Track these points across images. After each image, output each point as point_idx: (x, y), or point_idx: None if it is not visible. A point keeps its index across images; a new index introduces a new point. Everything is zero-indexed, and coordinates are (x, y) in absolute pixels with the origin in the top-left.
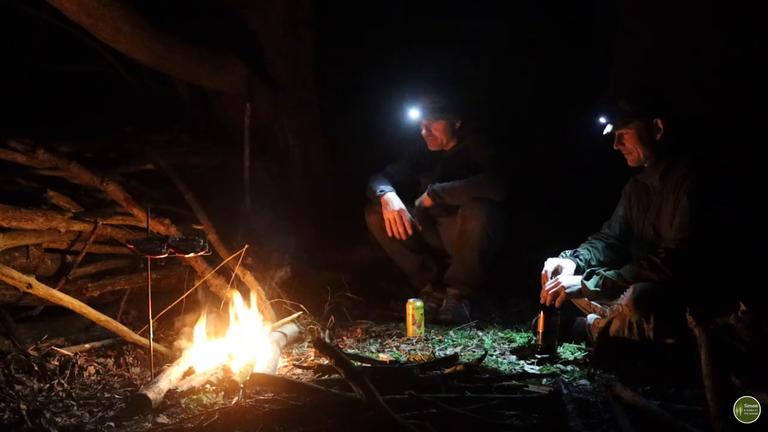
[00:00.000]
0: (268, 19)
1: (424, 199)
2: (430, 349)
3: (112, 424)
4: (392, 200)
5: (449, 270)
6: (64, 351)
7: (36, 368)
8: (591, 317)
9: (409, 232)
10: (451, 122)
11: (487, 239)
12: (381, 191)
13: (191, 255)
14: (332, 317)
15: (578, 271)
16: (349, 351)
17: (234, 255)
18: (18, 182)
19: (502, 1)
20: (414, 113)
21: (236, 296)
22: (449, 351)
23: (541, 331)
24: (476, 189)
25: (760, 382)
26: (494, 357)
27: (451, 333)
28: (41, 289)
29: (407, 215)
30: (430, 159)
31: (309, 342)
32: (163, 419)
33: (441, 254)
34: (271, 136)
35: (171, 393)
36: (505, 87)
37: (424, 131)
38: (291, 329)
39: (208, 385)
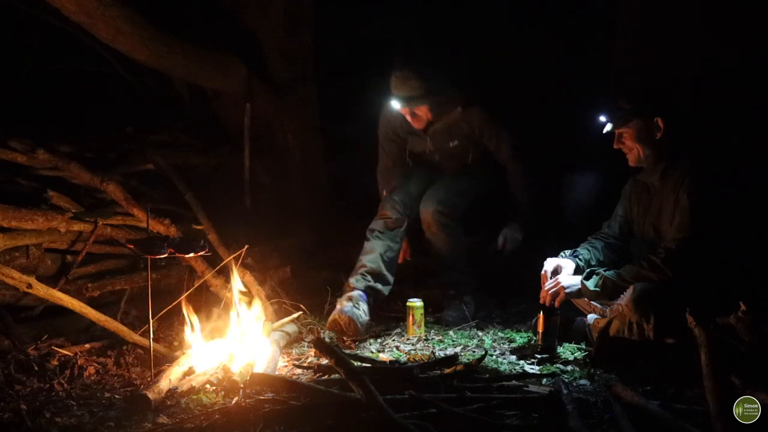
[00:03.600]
0: (268, 19)
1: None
2: (430, 349)
3: (112, 424)
4: None
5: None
6: (64, 351)
7: (36, 368)
8: (591, 317)
9: None
10: (433, 103)
11: (443, 233)
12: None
13: (191, 255)
14: None
15: (578, 271)
16: (349, 351)
17: (234, 255)
18: (18, 182)
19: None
20: (395, 104)
21: (236, 296)
22: (449, 351)
23: (541, 331)
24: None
25: (760, 382)
26: (494, 357)
27: (451, 333)
28: (41, 289)
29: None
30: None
31: (309, 342)
32: (163, 419)
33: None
34: (271, 136)
35: (171, 393)
36: (505, 87)
37: (408, 117)
38: (291, 329)
39: (208, 385)
